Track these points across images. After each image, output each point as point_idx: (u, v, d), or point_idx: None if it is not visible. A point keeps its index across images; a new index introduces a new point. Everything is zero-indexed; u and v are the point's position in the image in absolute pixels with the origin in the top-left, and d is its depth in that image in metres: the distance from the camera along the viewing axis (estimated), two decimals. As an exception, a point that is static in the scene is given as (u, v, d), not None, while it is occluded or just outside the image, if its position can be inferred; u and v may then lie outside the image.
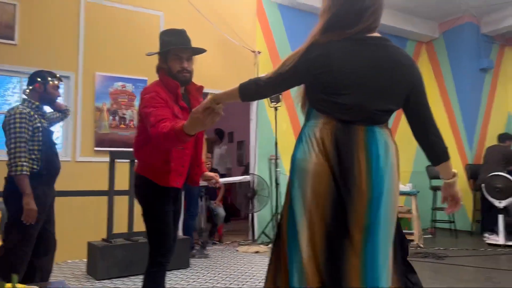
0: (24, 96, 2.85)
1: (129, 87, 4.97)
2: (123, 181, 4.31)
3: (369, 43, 1.56)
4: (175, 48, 2.26)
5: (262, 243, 5.51)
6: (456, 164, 7.21)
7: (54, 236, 2.93)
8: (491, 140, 7.43)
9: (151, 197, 2.24)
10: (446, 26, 7.61)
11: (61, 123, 4.67)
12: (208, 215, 5.75)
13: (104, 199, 4.26)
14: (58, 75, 2.96)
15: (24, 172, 2.59)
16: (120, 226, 4.27)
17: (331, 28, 1.57)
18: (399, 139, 7.35)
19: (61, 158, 4.51)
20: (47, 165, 2.77)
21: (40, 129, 2.73)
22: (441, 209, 6.58)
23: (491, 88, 7.58)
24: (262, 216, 5.79)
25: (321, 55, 1.54)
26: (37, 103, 2.81)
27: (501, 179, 5.80)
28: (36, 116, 2.74)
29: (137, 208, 3.86)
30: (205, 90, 5.34)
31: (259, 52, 5.96)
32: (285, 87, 1.67)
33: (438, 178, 6.88)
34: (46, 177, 2.79)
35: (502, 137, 6.66)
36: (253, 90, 1.65)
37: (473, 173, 6.93)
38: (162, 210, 2.25)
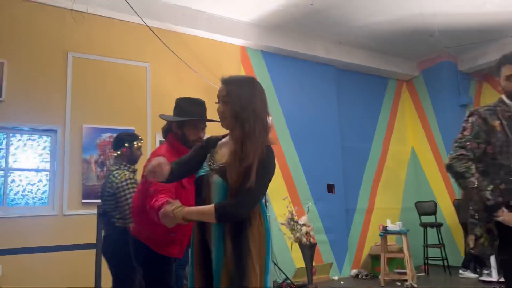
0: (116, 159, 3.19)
1: (117, 137, 5.00)
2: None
3: None
4: (198, 119, 2.35)
5: (254, 290, 5.40)
6: (445, 200, 7.28)
7: None
8: (477, 174, 7.54)
9: (153, 264, 2.24)
10: (424, 65, 7.89)
11: (48, 177, 4.67)
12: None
13: (93, 252, 4.18)
14: (139, 136, 3.27)
15: None
16: (110, 280, 4.17)
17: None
18: (387, 177, 7.38)
19: (47, 212, 4.54)
20: None
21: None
22: (433, 245, 6.58)
23: (472, 123, 7.77)
24: (253, 262, 5.70)
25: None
26: (133, 167, 3.13)
27: (489, 214, 5.84)
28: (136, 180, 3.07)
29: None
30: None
31: (244, 98, 6.08)
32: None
33: (427, 214, 6.92)
34: None
35: None
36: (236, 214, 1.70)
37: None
38: (167, 272, 2.26)
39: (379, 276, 5.86)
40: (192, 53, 5.74)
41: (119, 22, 5.25)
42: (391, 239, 6.65)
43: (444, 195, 7.33)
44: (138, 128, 5.15)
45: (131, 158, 3.15)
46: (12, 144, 4.55)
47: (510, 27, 6.54)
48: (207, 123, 2.44)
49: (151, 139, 5.17)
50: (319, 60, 6.91)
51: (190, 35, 5.78)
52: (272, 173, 1.76)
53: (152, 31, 5.25)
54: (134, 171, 3.15)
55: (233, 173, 1.67)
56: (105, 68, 5.09)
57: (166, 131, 2.42)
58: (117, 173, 3.02)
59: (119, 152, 3.14)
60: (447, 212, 7.21)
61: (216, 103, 1.83)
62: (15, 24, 4.64)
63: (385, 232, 5.95)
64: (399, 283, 5.76)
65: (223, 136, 1.91)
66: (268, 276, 1.69)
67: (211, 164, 1.79)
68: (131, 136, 3.21)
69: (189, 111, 2.34)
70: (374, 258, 6.45)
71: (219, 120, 2.23)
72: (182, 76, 5.57)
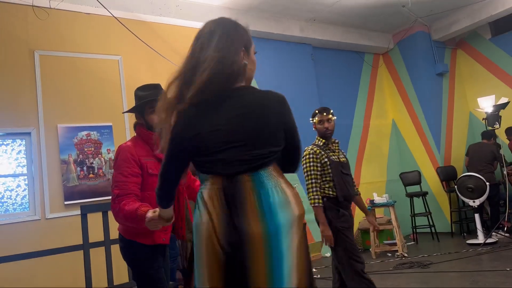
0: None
1: (94, 135, 4.87)
2: (98, 231, 4.17)
3: (233, 95, 1.53)
4: (150, 100, 2.20)
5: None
6: (428, 169, 7.38)
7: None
8: (458, 141, 7.67)
9: (140, 258, 2.20)
10: (399, 37, 7.90)
11: (26, 181, 4.53)
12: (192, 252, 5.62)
13: (80, 254, 4.10)
14: (317, 111, 3.32)
15: (317, 204, 3.08)
16: (100, 280, 4.11)
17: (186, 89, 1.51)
18: (370, 151, 7.43)
19: (29, 217, 4.42)
20: (341, 191, 3.13)
21: (328, 162, 3.16)
22: (420, 214, 6.69)
23: (449, 90, 7.87)
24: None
25: (185, 124, 1.51)
26: (323, 140, 3.27)
27: (473, 179, 5.95)
28: (323, 152, 3.20)
29: (116, 260, 3.74)
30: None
31: (222, 84, 5.98)
32: (180, 170, 1.61)
33: (412, 184, 7.01)
34: (343, 201, 3.14)
35: (488, 135, 6.57)
36: (158, 194, 1.69)
37: (445, 175, 7.10)
38: (153, 268, 2.20)
39: (370, 249, 5.94)
40: (165, 42, 5.59)
41: (85, 16, 5.06)
42: (379, 212, 6.73)
43: (427, 164, 7.43)
44: (115, 124, 5.03)
45: (319, 132, 3.33)
46: (-15, 151, 4.38)
47: (480, -8, 6.56)
48: None
49: (130, 133, 5.05)
50: (294, 40, 6.83)
51: (160, 23, 5.62)
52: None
53: (120, 22, 5.08)
54: (325, 145, 3.26)
55: None
56: (75, 64, 4.91)
57: (135, 125, 2.36)
58: (304, 149, 3.21)
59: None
60: (431, 180, 7.33)
61: None
62: (-25, 25, 4.42)
63: (372, 206, 6.01)
64: (390, 254, 5.85)
65: None
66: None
67: None
68: (314, 114, 3.38)
69: (144, 96, 2.25)
70: (364, 232, 6.53)
71: None
72: (157, 66, 5.43)
